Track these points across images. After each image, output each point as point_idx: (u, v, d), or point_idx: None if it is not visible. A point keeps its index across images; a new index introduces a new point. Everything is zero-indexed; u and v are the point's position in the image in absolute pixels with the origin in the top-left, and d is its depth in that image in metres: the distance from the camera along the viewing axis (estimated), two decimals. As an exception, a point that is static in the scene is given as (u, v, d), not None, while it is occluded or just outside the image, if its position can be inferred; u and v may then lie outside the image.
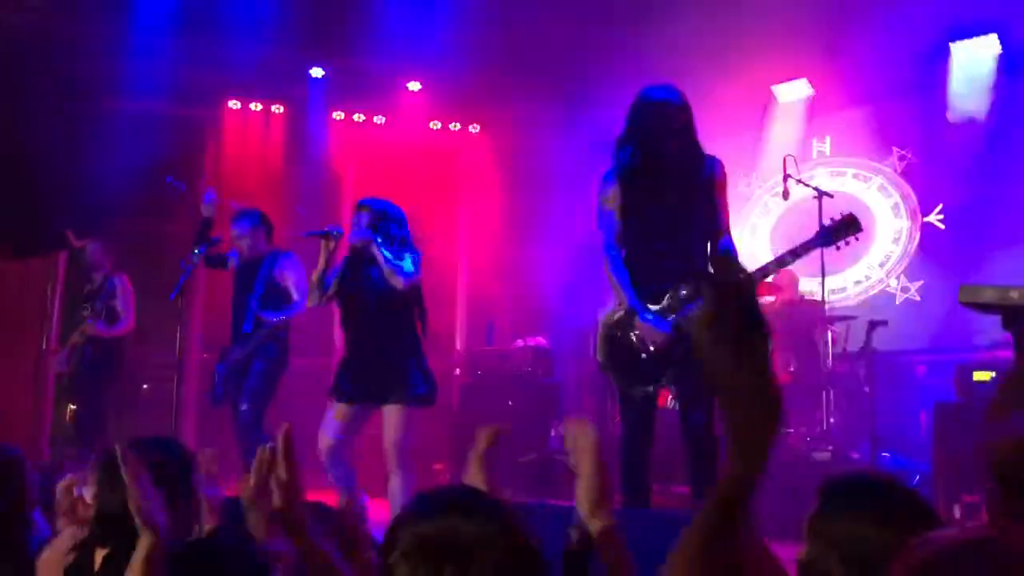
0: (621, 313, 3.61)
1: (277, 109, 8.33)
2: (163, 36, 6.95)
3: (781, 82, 7.49)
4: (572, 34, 6.97)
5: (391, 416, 4.22)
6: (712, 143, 8.01)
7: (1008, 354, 4.60)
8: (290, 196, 7.99)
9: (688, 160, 3.64)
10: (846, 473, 1.65)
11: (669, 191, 3.60)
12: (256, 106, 8.26)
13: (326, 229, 4.39)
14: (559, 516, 1.76)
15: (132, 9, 6.93)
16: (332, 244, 4.34)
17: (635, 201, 3.64)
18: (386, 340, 4.28)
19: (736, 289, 1.06)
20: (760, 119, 7.65)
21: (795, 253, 3.59)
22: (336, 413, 4.32)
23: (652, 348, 3.52)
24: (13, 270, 7.20)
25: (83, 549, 2.02)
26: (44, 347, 6.94)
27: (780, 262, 3.64)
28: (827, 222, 3.63)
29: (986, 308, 2.14)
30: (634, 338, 3.56)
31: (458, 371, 7.86)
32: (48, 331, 6.98)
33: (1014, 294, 2.09)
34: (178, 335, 5.15)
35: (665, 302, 3.58)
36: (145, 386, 7.36)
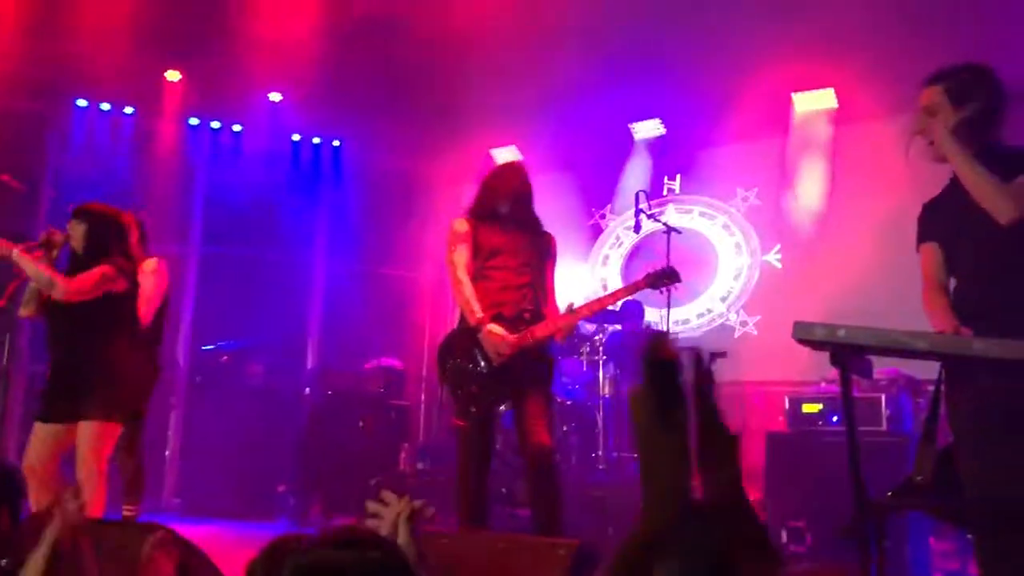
0: (466, 327, 3.68)
1: (128, 110, 7.99)
2: (8, 29, 6.56)
3: (638, 120, 7.81)
4: (438, 58, 7.02)
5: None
6: (570, 176, 8.30)
7: (835, 388, 4.94)
8: (137, 200, 7.66)
9: (535, 228, 4.05)
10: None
11: (520, 245, 3.88)
12: (105, 106, 7.90)
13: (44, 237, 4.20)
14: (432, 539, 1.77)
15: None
16: (55, 252, 4.16)
17: (490, 243, 3.88)
18: (83, 355, 4.05)
19: (665, 368, 1.13)
20: (618, 155, 7.94)
21: (618, 296, 3.97)
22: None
23: (497, 359, 3.61)
24: None
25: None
26: None
27: (612, 297, 3.94)
28: (651, 270, 4.01)
29: (818, 345, 2.30)
30: (477, 353, 3.64)
31: (308, 390, 7.71)
32: None
33: (841, 332, 2.26)
34: (6, 344, 4.84)
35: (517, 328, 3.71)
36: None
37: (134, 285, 4.14)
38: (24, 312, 4.12)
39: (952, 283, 2.69)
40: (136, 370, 4.13)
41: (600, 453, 6.05)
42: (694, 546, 1.17)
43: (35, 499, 3.74)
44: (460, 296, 3.79)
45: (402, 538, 1.56)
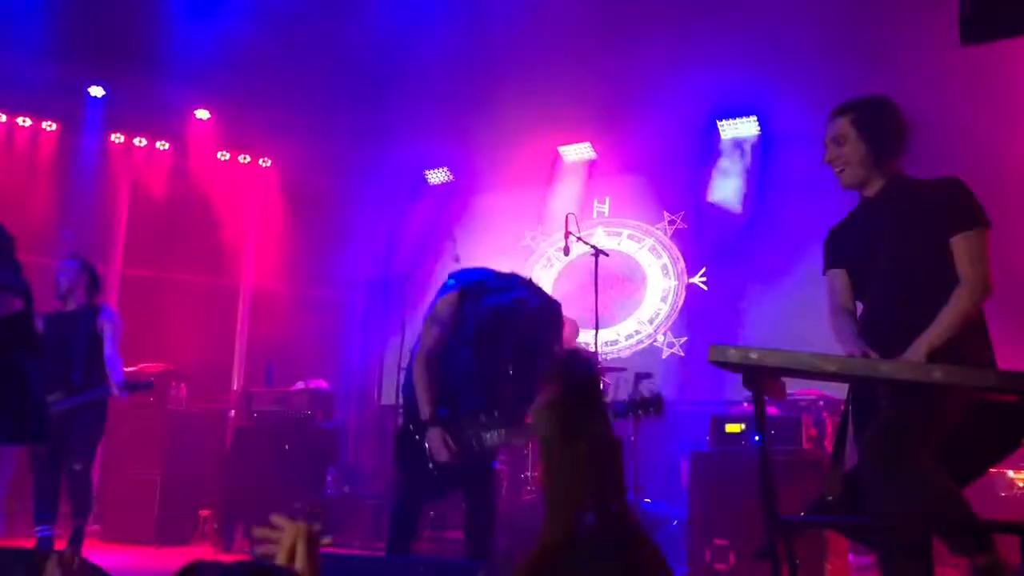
0: (420, 418, 3.60)
1: (49, 126, 7.79)
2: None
3: (567, 144, 7.90)
4: (366, 77, 7.02)
5: None
6: (501, 197, 8.34)
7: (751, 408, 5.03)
8: (56, 218, 7.47)
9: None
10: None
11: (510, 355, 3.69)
12: (25, 121, 7.69)
13: None
14: (334, 562, 1.76)
15: None
16: None
17: (484, 331, 3.66)
18: None
19: (579, 388, 1.15)
20: (546, 177, 8.02)
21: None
22: None
23: (436, 462, 3.55)
24: None
25: None
26: None
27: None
28: (639, 396, 3.50)
29: (732, 367, 2.36)
30: (426, 446, 3.59)
31: (233, 412, 7.57)
32: None
33: (754, 355, 2.31)
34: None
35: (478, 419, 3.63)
36: None
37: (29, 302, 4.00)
38: None
39: (859, 307, 2.78)
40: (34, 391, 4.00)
41: (530, 474, 6.06)
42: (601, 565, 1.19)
43: None
44: None
45: (300, 563, 1.54)
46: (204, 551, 6.24)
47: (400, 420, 3.89)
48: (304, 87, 7.17)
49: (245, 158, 8.46)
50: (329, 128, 7.77)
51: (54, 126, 7.81)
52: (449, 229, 8.08)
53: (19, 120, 7.68)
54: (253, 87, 7.11)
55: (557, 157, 7.99)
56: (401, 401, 4.08)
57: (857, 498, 2.37)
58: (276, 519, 1.59)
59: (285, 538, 1.56)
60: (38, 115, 7.70)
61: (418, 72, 6.66)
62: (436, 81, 6.78)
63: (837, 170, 2.76)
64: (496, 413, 3.63)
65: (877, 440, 2.35)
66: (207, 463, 6.79)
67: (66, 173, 7.76)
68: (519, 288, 3.78)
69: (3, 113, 7.59)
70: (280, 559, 1.53)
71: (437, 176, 8.51)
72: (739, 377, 2.42)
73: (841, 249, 2.83)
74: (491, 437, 3.59)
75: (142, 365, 7.32)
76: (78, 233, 7.16)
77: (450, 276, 3.83)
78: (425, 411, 3.58)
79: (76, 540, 4.74)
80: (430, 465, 3.57)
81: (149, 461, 6.67)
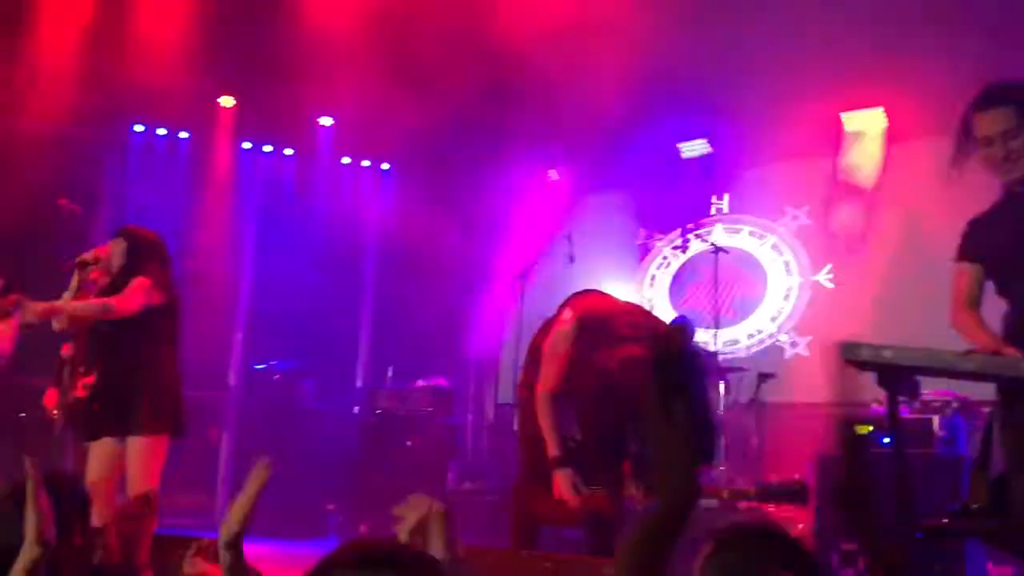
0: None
1: (183, 135, 8.20)
2: (69, 56, 6.79)
3: (685, 140, 7.79)
4: (488, 79, 7.10)
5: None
6: (615, 196, 8.30)
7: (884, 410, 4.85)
8: (192, 224, 7.85)
9: None
10: (738, 522, 1.73)
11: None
12: (162, 131, 8.11)
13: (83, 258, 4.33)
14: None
15: (37, 28, 6.76)
16: (88, 272, 4.28)
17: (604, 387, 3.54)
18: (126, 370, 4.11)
19: (671, 363, 1.15)
20: (663, 174, 7.92)
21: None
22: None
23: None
24: None
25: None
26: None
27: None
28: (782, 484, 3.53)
29: (863, 365, 2.28)
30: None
31: (357, 409, 7.79)
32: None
33: (888, 353, 2.23)
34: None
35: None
36: (23, 414, 7.00)
37: (173, 299, 4.22)
38: (58, 326, 4.21)
39: (998, 305, 2.64)
40: (179, 383, 4.22)
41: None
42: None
43: (98, 515, 3.82)
44: None
45: (435, 541, 1.57)
46: (331, 545, 6.43)
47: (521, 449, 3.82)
48: (421, 90, 7.31)
49: (366, 162, 8.69)
50: (444, 129, 7.88)
51: (188, 135, 8.21)
52: (564, 229, 8.10)
53: (157, 130, 8.10)
54: (373, 93, 7.29)
55: (675, 153, 7.89)
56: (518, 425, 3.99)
57: (1003, 505, 2.25)
58: (412, 497, 1.63)
59: (411, 514, 1.59)
60: (174, 125, 8.11)
61: (530, 69, 6.69)
62: (542, 80, 6.79)
63: (1009, 163, 2.58)
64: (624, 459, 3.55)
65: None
66: (334, 459, 7.01)
67: (200, 180, 8.15)
68: (635, 343, 3.39)
69: (143, 124, 8.02)
70: (402, 536, 1.56)
71: (551, 175, 8.53)
72: (867, 377, 2.34)
73: (985, 242, 2.66)
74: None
75: (272, 363, 7.63)
76: (213, 236, 7.54)
77: (570, 303, 3.71)
78: (552, 450, 3.47)
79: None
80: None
81: (279, 456, 6.92)
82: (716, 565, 1.57)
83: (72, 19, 6.86)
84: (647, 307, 7.70)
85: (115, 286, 4.13)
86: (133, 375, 4.06)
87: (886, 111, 6.94)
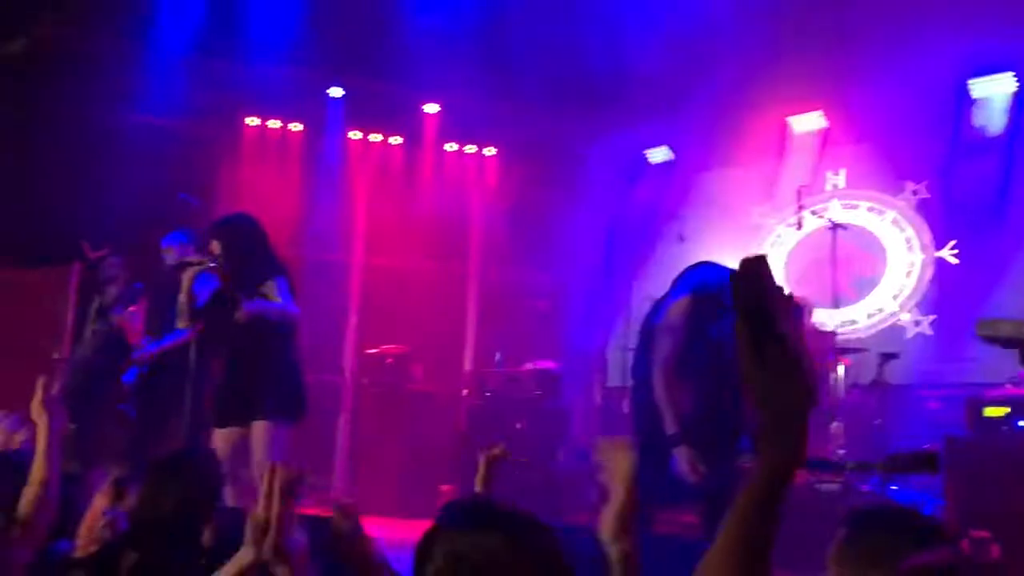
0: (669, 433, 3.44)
1: (295, 127, 8.41)
2: (182, 53, 7.04)
3: (796, 114, 7.53)
4: (595, 61, 7.01)
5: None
6: (725, 174, 8.11)
7: (1021, 391, 4.59)
8: (304, 214, 8.06)
9: None
10: (873, 504, 1.66)
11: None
12: (274, 124, 8.34)
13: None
14: (568, 535, 1.76)
15: (152, 26, 7.03)
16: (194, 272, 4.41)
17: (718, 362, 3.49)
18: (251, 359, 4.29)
19: (752, 299, 1.07)
20: (775, 150, 7.68)
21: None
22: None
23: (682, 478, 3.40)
24: (30, 280, 7.26)
25: (109, 551, 2.04)
26: (57, 356, 6.96)
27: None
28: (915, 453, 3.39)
29: (1004, 342, 2.15)
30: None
31: (466, 392, 7.87)
32: (61, 341, 7.01)
33: (1032, 328, 2.09)
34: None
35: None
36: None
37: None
38: (181, 324, 4.42)
39: None
40: (300, 369, 4.35)
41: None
42: None
43: (230, 498, 3.96)
44: None
45: (619, 489, 1.52)
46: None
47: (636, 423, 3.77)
48: (524, 75, 7.29)
49: (471, 148, 8.73)
50: (548, 114, 7.85)
51: (300, 127, 8.41)
52: (672, 209, 7.97)
53: (269, 123, 8.33)
54: (477, 79, 7.30)
55: (786, 128, 7.64)
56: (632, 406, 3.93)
57: None
58: (603, 441, 1.59)
59: (614, 465, 1.56)
60: (286, 117, 8.32)
61: (635, 49, 6.58)
62: (653, 58, 6.67)
63: None
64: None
65: None
66: (445, 440, 7.12)
67: (311, 170, 8.35)
68: None
69: (256, 117, 8.26)
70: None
71: (658, 155, 8.38)
72: (997, 356, 2.20)
73: None
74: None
75: (383, 347, 7.78)
76: (325, 225, 7.75)
77: (682, 278, 3.64)
78: (670, 427, 3.40)
79: None
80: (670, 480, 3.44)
81: (392, 438, 7.08)
82: (851, 550, 1.50)
83: (187, 17, 7.10)
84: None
85: (241, 283, 4.26)
86: (258, 364, 4.21)
87: (1016, 76, 6.55)
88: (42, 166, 7.02)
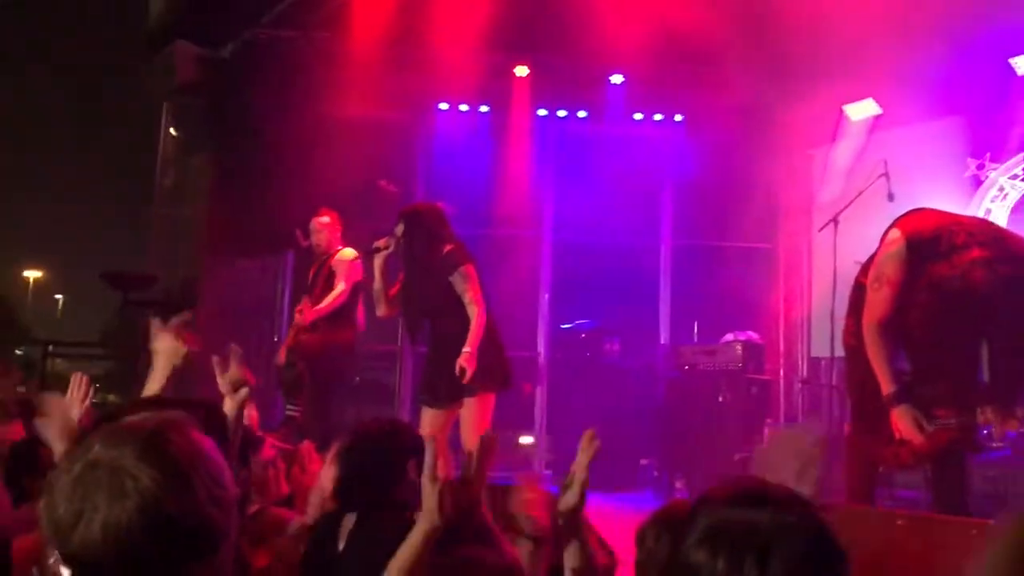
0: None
1: (484, 109, 8.54)
2: (377, 45, 7.32)
3: (1018, 54, 6.85)
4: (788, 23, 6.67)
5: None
6: (938, 125, 7.52)
7: None
8: (494, 193, 8.19)
9: None
10: None
11: None
12: (464, 107, 8.51)
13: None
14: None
15: (350, 21, 7.35)
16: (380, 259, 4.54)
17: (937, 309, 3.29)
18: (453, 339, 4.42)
19: None
20: (994, 97, 7.03)
21: None
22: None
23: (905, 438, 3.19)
24: (251, 267, 7.82)
25: (331, 516, 2.16)
26: (275, 339, 7.48)
27: None
28: None
29: None
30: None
31: (662, 366, 7.77)
32: (278, 324, 7.53)
33: None
34: (400, 327, 5.35)
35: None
36: (357, 378, 7.57)
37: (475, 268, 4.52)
38: (381, 312, 4.64)
39: None
40: (499, 340, 4.55)
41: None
42: None
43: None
44: None
45: (809, 474, 1.48)
46: (647, 498, 6.49)
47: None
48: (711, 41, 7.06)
49: (659, 116, 8.55)
50: (738, 72, 7.54)
51: (487, 108, 8.54)
52: (878, 164, 7.48)
53: (460, 107, 8.51)
54: (661, 44, 7.13)
55: (1007, 68, 6.96)
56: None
57: None
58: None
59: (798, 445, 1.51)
60: (474, 100, 8.47)
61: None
62: (849, 7, 6.27)
63: None
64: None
65: None
66: (644, 415, 7.07)
67: (500, 150, 8.46)
68: (977, 247, 3.13)
69: (446, 102, 8.46)
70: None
71: (860, 110, 7.88)
72: None
73: None
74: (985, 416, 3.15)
75: (578, 322, 7.82)
76: (515, 204, 7.85)
77: (895, 226, 3.40)
78: (887, 387, 3.19)
79: None
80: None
81: (589, 412, 7.10)
82: None
83: (380, 11, 7.37)
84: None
85: (427, 268, 4.42)
86: (461, 339, 4.35)
87: None
88: (257, 165, 7.51)
